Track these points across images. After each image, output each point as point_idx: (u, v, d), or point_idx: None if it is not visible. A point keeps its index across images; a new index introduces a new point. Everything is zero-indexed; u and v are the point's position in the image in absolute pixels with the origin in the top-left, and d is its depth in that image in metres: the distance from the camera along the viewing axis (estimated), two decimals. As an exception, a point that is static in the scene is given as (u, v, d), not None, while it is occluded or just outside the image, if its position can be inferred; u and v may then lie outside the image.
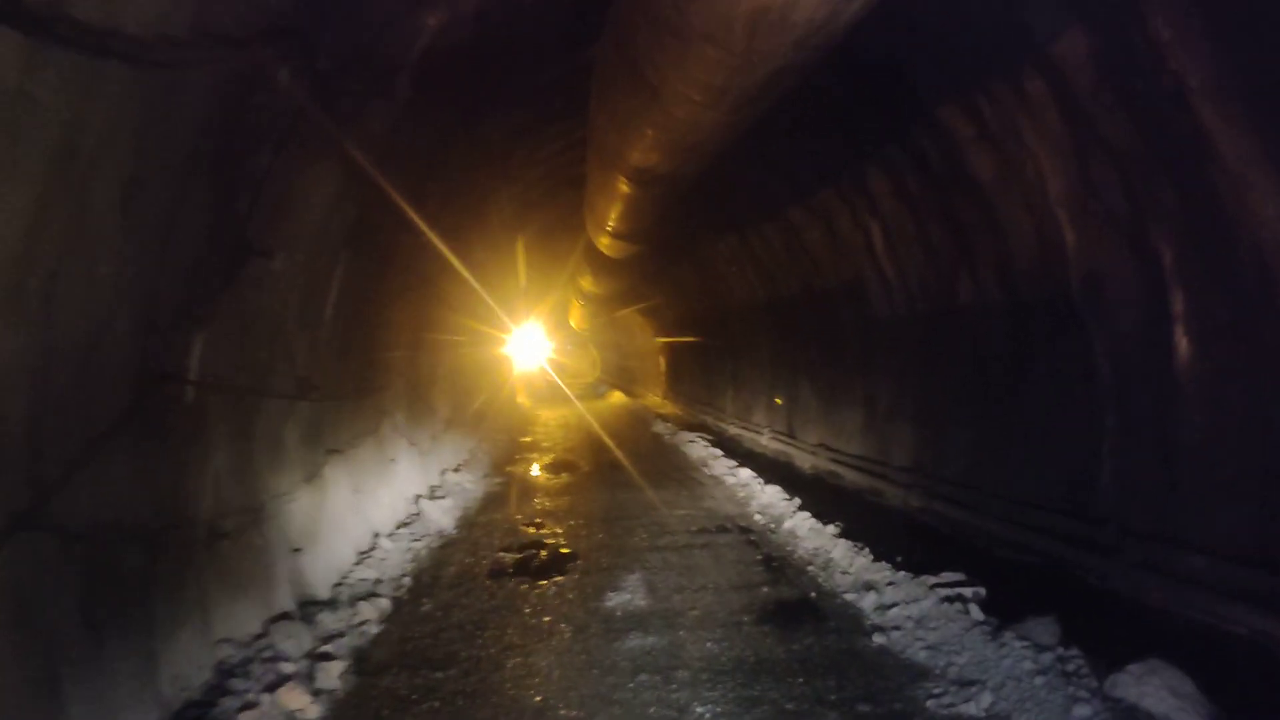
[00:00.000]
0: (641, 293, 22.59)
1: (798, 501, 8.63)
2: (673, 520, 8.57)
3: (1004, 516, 6.70)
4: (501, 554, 7.32)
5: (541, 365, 31.23)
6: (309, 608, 5.14)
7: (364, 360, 7.07)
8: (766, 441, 13.79)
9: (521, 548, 7.54)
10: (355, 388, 6.81)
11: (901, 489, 8.66)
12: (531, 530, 8.26)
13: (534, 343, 30.69)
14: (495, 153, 9.28)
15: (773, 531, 7.87)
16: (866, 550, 6.53)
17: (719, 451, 13.39)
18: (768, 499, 9.09)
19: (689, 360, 22.31)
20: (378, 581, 6.00)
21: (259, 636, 4.53)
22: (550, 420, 22.09)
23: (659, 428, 18.94)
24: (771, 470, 11.29)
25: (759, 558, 6.97)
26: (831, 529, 7.23)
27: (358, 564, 6.23)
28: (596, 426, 19.95)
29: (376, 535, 6.87)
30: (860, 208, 9.02)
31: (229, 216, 4.26)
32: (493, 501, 9.80)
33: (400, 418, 8.87)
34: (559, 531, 8.19)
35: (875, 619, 5.36)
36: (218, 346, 4.32)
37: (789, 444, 12.68)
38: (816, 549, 6.90)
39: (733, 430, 16.48)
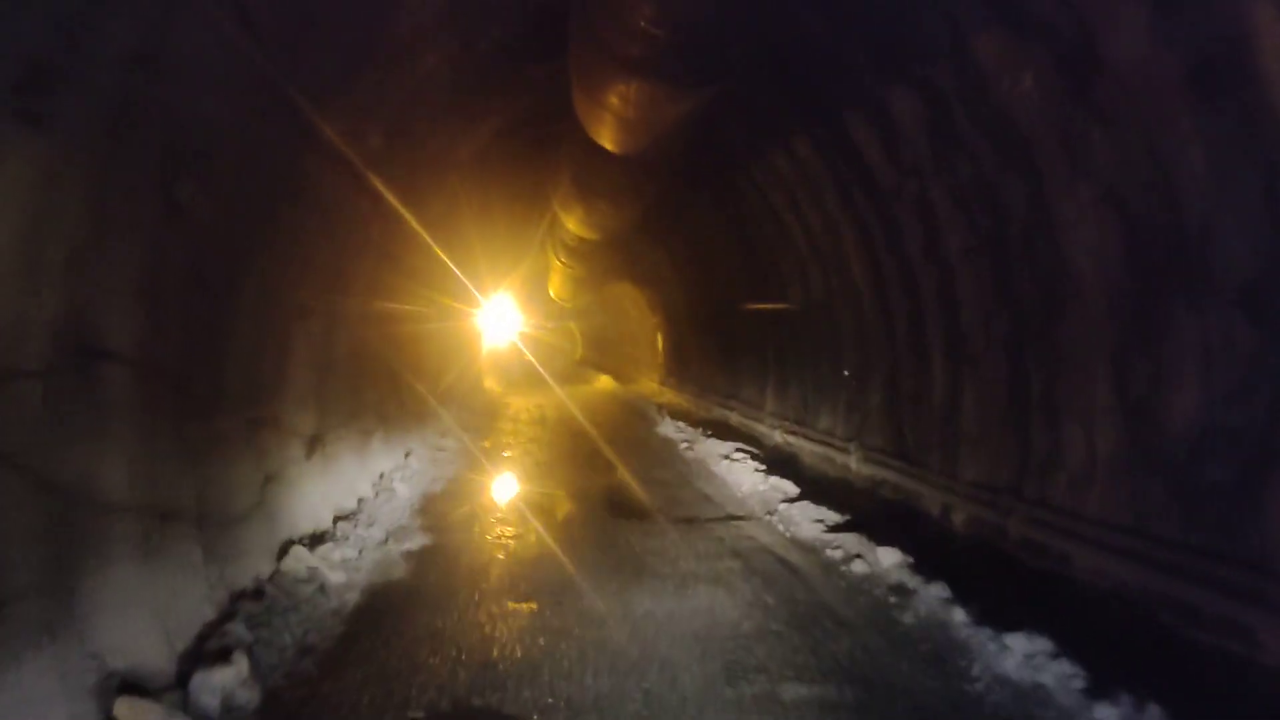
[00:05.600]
0: (639, 252, 17.37)
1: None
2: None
3: None
4: None
5: (514, 342, 25.99)
6: None
7: None
8: (856, 465, 8.59)
9: None
10: None
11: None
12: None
13: (505, 316, 25.48)
14: None
15: None
16: None
17: (785, 483, 8.22)
18: (1020, 666, 3.88)
19: (700, 339, 17.12)
20: None
21: None
22: (522, 414, 16.85)
23: (668, 429, 13.75)
24: (911, 536, 6.06)
25: None
26: None
27: None
28: (585, 425, 14.74)
29: None
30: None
31: None
32: (360, 644, 4.53)
33: (121, 463, 3.63)
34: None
35: None
36: None
37: (905, 474, 7.51)
38: None
39: (779, 438, 11.31)
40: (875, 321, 8.59)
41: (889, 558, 5.31)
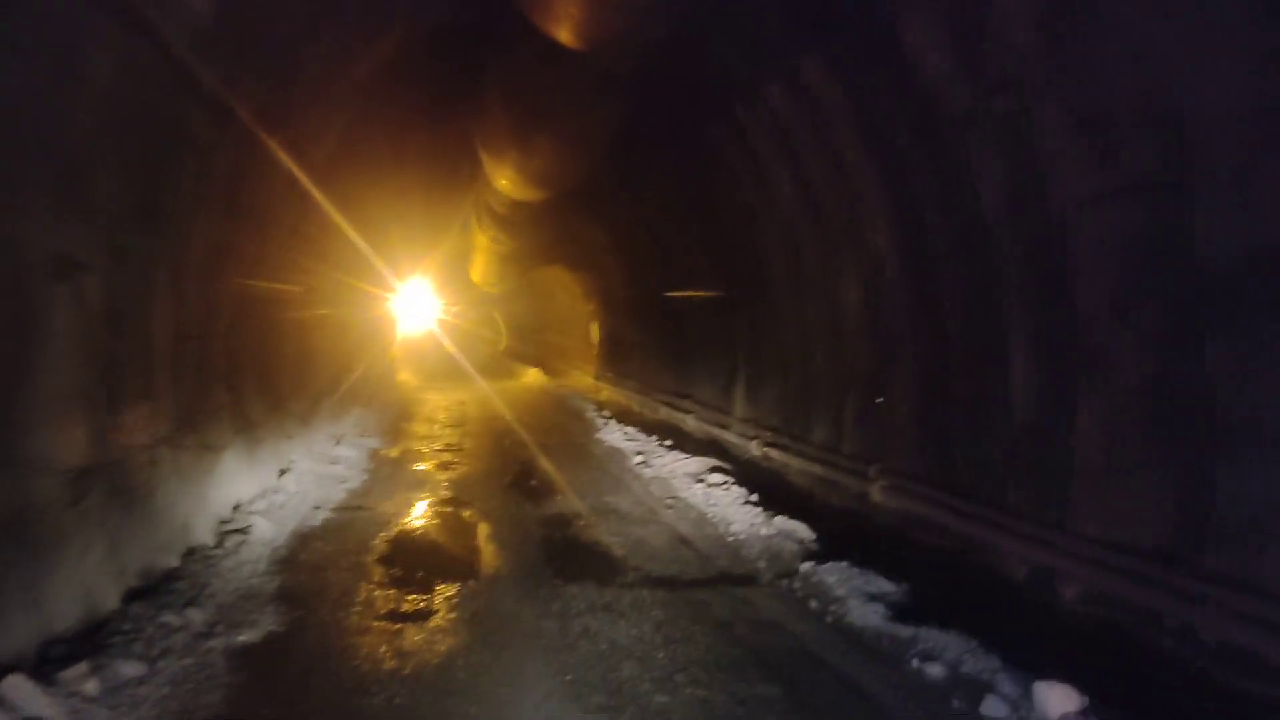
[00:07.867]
0: (575, 230, 15.08)
1: None
2: None
3: None
4: None
5: (432, 330, 23.59)
6: None
7: None
8: (879, 496, 6.46)
9: None
10: None
11: None
12: None
13: (422, 302, 23.11)
14: None
15: None
16: None
17: (795, 525, 6.07)
18: None
19: (644, 327, 14.91)
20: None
21: None
22: (440, 412, 14.46)
23: (614, 435, 11.52)
24: (1025, 630, 3.94)
25: None
26: None
27: None
28: (513, 428, 12.43)
29: None
30: None
31: None
32: None
33: None
34: None
35: None
36: None
37: (958, 514, 5.42)
38: None
39: (755, 451, 9.16)
40: (906, 302, 6.48)
41: (1059, 701, 3.11)
